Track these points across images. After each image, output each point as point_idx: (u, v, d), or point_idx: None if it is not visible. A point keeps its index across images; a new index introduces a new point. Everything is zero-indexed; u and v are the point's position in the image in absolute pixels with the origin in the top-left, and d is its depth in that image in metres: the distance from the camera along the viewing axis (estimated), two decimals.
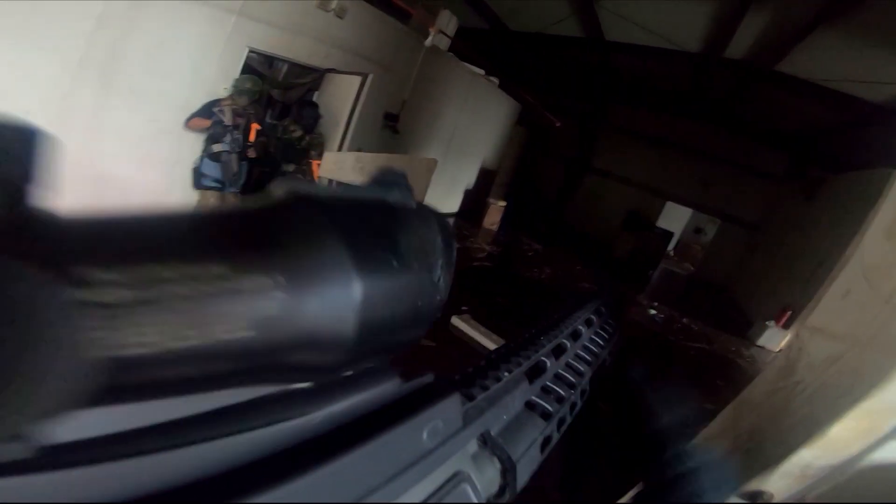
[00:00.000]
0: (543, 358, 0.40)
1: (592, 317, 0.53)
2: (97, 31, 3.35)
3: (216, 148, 4.10)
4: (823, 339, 0.64)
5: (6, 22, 2.94)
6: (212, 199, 4.29)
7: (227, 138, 4.11)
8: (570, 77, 9.81)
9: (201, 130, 4.12)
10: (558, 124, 10.66)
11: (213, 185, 4.24)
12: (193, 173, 4.24)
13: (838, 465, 0.55)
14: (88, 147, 3.71)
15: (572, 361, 0.45)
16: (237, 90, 4.11)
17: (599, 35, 6.63)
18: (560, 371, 0.43)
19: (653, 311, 7.79)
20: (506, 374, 0.34)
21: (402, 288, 0.21)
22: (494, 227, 9.72)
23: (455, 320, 4.67)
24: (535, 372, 0.39)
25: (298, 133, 4.65)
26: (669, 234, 11.72)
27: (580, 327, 0.49)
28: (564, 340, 0.45)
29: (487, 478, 0.28)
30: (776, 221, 9.25)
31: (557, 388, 0.40)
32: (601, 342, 0.52)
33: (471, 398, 0.29)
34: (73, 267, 0.12)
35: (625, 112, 11.16)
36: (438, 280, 0.24)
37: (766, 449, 0.61)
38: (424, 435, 0.23)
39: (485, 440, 0.29)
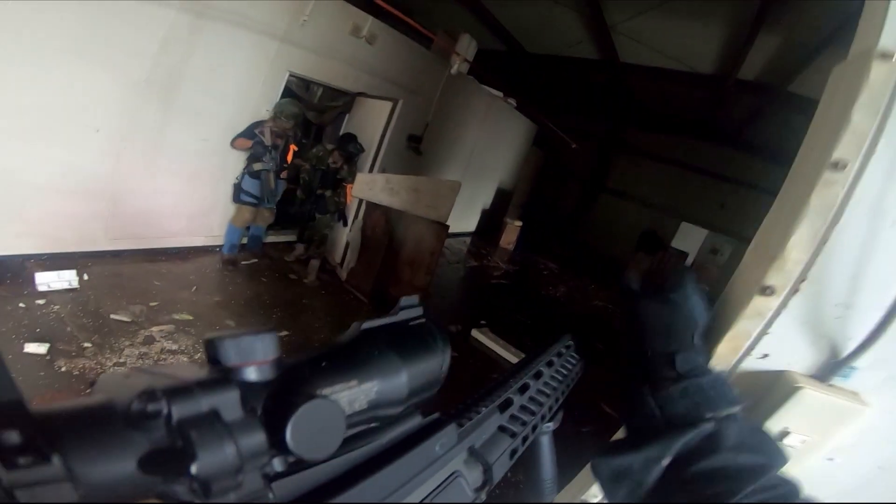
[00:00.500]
0: (511, 395, 0.57)
1: (553, 358, 0.70)
2: (161, 53, 3.61)
3: (257, 167, 4.34)
4: (720, 304, 0.96)
5: (82, 44, 3.18)
6: (247, 213, 4.54)
7: (267, 157, 4.34)
8: (585, 99, 9.97)
9: (244, 150, 4.36)
10: (574, 145, 10.81)
11: (251, 200, 4.49)
12: (234, 188, 4.48)
13: (727, 371, 0.86)
14: (149, 161, 3.96)
15: (534, 395, 0.61)
16: (281, 113, 4.34)
17: (614, 57, 6.82)
18: (524, 403, 0.58)
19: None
20: (484, 408, 0.51)
21: (425, 372, 0.38)
22: (511, 247, 9.85)
23: (475, 333, 4.80)
24: (505, 405, 0.55)
25: (340, 164, 4.88)
26: (684, 255, 11.70)
27: (542, 369, 0.65)
28: (528, 381, 0.61)
29: (474, 476, 0.44)
30: None
31: (522, 416, 0.56)
32: (560, 377, 0.68)
33: (461, 424, 0.45)
34: (315, 392, 0.28)
35: (640, 133, 11.27)
36: (443, 367, 0.40)
37: None
38: (437, 448, 0.40)
39: (472, 451, 0.45)
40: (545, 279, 8.60)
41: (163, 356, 3.04)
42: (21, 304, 3.06)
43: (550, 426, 0.67)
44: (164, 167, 4.06)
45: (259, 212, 4.65)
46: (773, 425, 0.83)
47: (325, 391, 0.29)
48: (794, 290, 0.80)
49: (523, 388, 0.60)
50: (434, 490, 0.39)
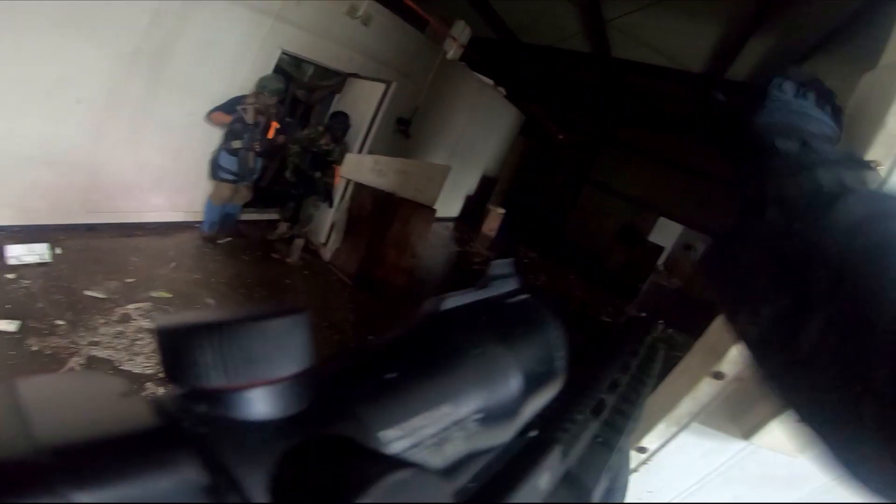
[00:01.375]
0: (603, 395, 0.46)
1: (638, 347, 0.61)
2: (152, 26, 3.46)
3: (236, 144, 4.19)
4: None
5: (68, 13, 3.02)
6: (226, 190, 4.39)
7: (246, 136, 4.19)
8: (575, 91, 9.99)
9: (221, 125, 4.21)
10: (561, 136, 10.86)
11: (229, 177, 4.34)
12: (211, 165, 4.33)
13: None
14: (135, 135, 3.81)
15: (625, 393, 0.51)
16: (266, 89, 4.18)
17: (607, 52, 6.82)
18: (616, 404, 0.48)
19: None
20: (578, 416, 0.40)
21: (542, 373, 0.26)
22: (492, 234, 9.88)
23: None
24: (598, 408, 0.45)
25: (331, 146, 4.78)
26: (660, 249, 11.96)
27: (629, 360, 0.57)
28: (618, 375, 0.52)
29: None
30: None
31: (616, 420, 0.46)
32: (647, 370, 0.59)
33: (558, 441, 0.34)
34: (373, 437, 0.17)
35: (626, 128, 11.37)
36: (561, 362, 0.29)
37: (718, 347, 0.98)
38: (541, 484, 0.28)
39: (567, 476, 0.34)
40: (525, 267, 8.66)
41: (139, 335, 2.94)
42: None
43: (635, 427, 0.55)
44: (149, 140, 3.92)
45: (237, 188, 4.50)
46: None
47: (397, 435, 0.17)
48: None
49: (613, 386, 0.50)
50: None
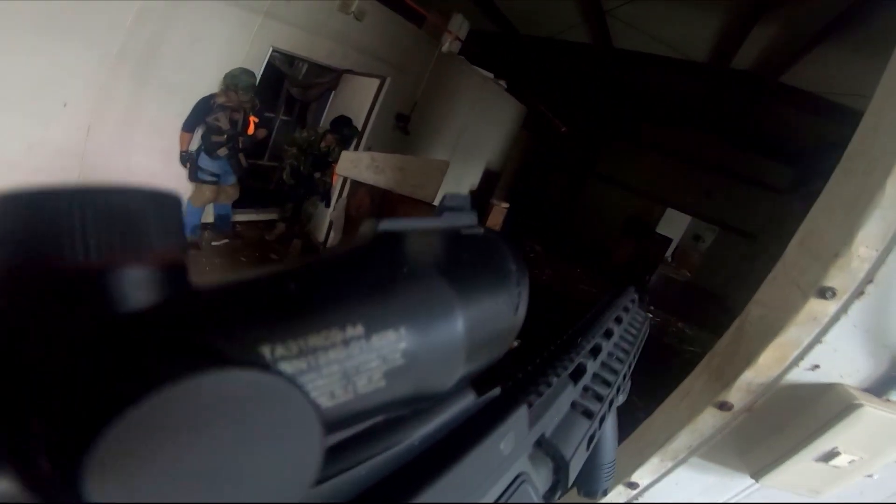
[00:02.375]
0: (583, 360, 0.43)
1: (622, 314, 0.57)
2: (136, 25, 3.41)
3: (221, 153, 4.08)
4: (758, 306, 0.90)
5: (51, 12, 2.97)
6: (207, 192, 4.28)
7: (228, 141, 4.07)
8: (577, 83, 9.88)
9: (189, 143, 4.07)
10: (564, 129, 10.74)
11: (209, 178, 4.22)
12: (189, 166, 4.19)
13: (767, 383, 0.81)
14: (122, 138, 3.77)
15: (607, 361, 0.48)
16: (235, 86, 3.97)
17: (608, 42, 6.72)
18: (597, 371, 0.45)
19: (649, 315, 7.93)
20: (554, 378, 0.37)
21: (491, 319, 0.22)
22: (497, 229, 9.81)
23: None
24: (577, 373, 0.41)
25: (332, 147, 4.72)
26: (668, 241, 11.84)
27: (612, 326, 0.53)
28: (599, 340, 0.48)
29: (542, 477, 0.32)
30: (776, 233, 9.33)
31: (597, 388, 0.43)
32: (631, 336, 0.56)
33: (530, 405, 0.31)
34: (250, 350, 0.13)
35: (630, 120, 11.24)
36: (517, 307, 0.25)
37: (724, 373, 0.89)
38: (502, 446, 0.25)
39: (540, 442, 0.32)
40: (531, 261, 8.60)
41: None
42: None
43: (620, 400, 0.51)
44: (138, 144, 3.88)
45: (222, 189, 4.36)
46: (821, 445, 0.75)
47: (285, 353, 0.14)
48: (858, 293, 0.70)
49: (595, 351, 0.46)
50: None
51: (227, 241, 4.69)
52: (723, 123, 9.12)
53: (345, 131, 4.71)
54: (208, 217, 4.60)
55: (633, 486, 1.04)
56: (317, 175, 4.70)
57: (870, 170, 0.75)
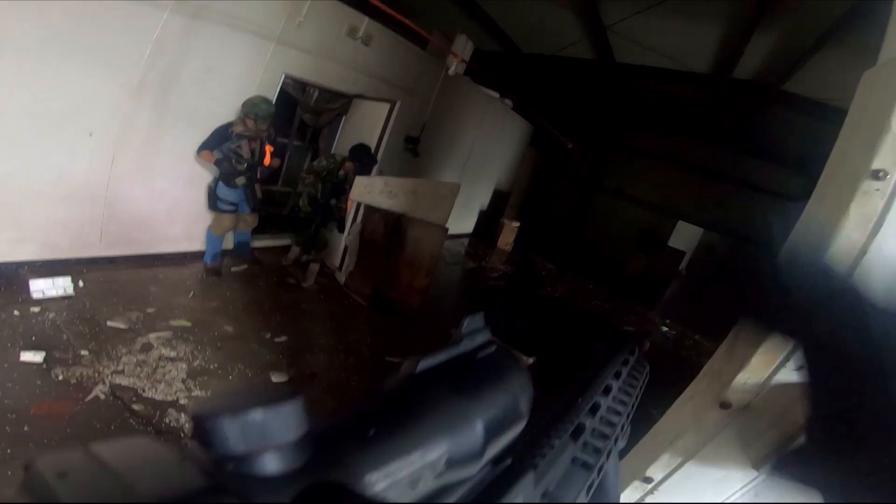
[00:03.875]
0: (582, 420, 0.49)
1: (621, 368, 0.62)
2: (155, 54, 3.54)
3: (239, 181, 4.15)
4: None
5: (72, 45, 3.11)
6: (227, 220, 4.37)
7: (246, 170, 4.14)
8: (582, 99, 10.00)
9: (211, 163, 4.12)
10: (570, 145, 10.82)
11: (228, 207, 4.30)
12: (208, 195, 4.27)
13: (760, 382, 0.88)
14: (146, 165, 3.89)
15: (605, 415, 0.54)
16: (253, 114, 4.01)
17: (611, 57, 6.82)
18: (596, 427, 0.51)
19: (665, 328, 7.83)
20: (556, 440, 0.44)
21: (505, 420, 0.31)
22: (508, 248, 9.83)
23: None
24: (577, 432, 0.48)
25: (352, 177, 4.76)
26: (681, 253, 11.76)
27: (610, 382, 0.58)
28: (598, 398, 0.54)
29: None
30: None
31: (596, 442, 0.49)
32: (630, 388, 0.60)
33: (535, 466, 0.38)
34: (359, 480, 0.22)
35: (636, 133, 11.31)
36: (525, 405, 0.33)
37: (723, 375, 0.97)
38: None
39: (545, 495, 0.39)
40: (544, 279, 8.58)
41: (161, 363, 2.99)
42: (16, 312, 3.01)
43: (620, 444, 0.58)
44: (160, 171, 3.99)
45: (240, 217, 4.46)
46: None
47: (378, 478, 0.22)
48: None
49: (594, 409, 0.53)
50: None
51: (246, 266, 4.78)
52: (729, 133, 9.15)
53: (364, 160, 4.77)
54: (228, 244, 4.71)
55: (648, 480, 1.10)
56: (332, 202, 4.76)
57: (837, 195, 0.83)
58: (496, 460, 0.33)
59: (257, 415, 0.19)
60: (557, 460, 0.42)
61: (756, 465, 0.94)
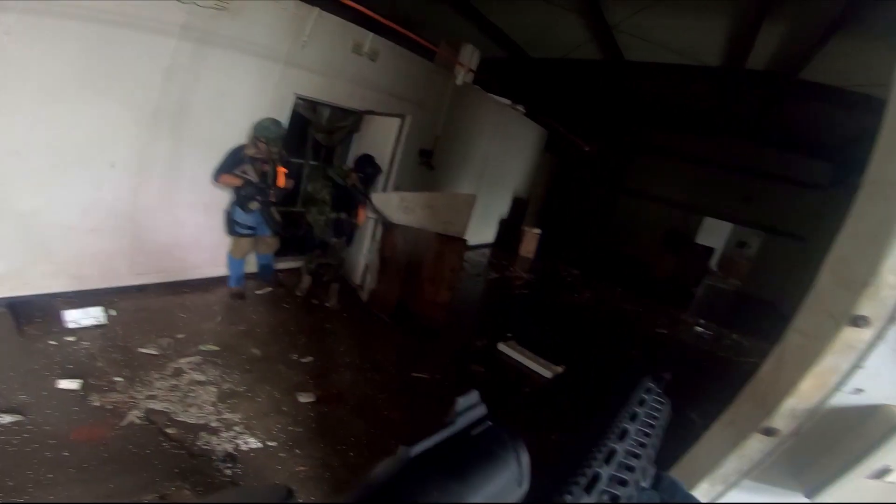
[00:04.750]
0: (598, 469, 0.47)
1: (636, 409, 0.60)
2: (167, 82, 3.64)
3: (253, 206, 4.18)
4: (796, 335, 0.91)
5: (85, 77, 3.21)
6: (246, 245, 4.42)
7: (259, 194, 4.15)
8: (595, 100, 9.93)
9: (231, 186, 4.15)
10: (587, 148, 10.73)
11: (247, 232, 4.34)
12: (226, 220, 4.31)
13: (811, 408, 0.82)
14: (166, 194, 3.99)
15: (624, 460, 0.51)
16: (264, 137, 4.05)
17: (619, 56, 6.77)
18: (614, 473, 0.49)
19: (699, 329, 7.60)
20: (568, 497, 0.43)
21: (499, 496, 0.30)
22: (531, 255, 9.75)
23: (501, 346, 4.72)
24: (592, 483, 0.46)
25: (361, 189, 4.72)
26: (710, 250, 11.45)
27: (626, 425, 0.56)
28: (614, 444, 0.52)
29: None
30: (825, 231, 8.92)
31: (613, 490, 0.47)
32: (649, 429, 0.58)
33: None
34: None
35: (654, 131, 11.15)
36: (521, 481, 0.33)
37: (767, 401, 0.90)
38: None
39: None
40: (569, 286, 8.46)
41: (192, 387, 3.05)
42: (52, 342, 3.11)
43: (645, 487, 0.54)
44: (181, 199, 4.09)
45: (260, 240, 4.50)
46: (872, 463, 0.77)
47: None
48: (892, 320, 0.72)
49: (609, 456, 0.50)
50: None
51: (270, 289, 4.85)
52: (748, 125, 8.93)
53: (368, 169, 4.76)
54: (252, 267, 4.79)
55: None
56: (343, 216, 4.70)
57: (891, 194, 0.76)
58: None
59: None
60: None
61: (808, 494, 0.88)
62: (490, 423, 0.34)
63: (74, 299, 3.57)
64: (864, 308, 0.71)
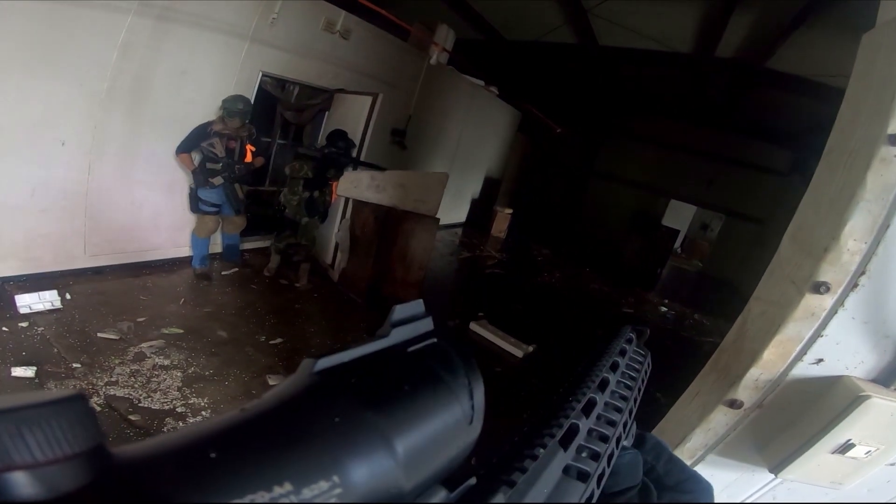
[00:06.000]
0: (574, 420, 0.41)
1: (618, 359, 0.54)
2: (122, 60, 3.45)
3: (217, 181, 4.04)
4: (758, 303, 0.91)
5: (40, 54, 3.03)
6: (210, 222, 4.29)
7: (224, 169, 4.03)
8: (568, 83, 9.95)
9: (189, 167, 4.02)
10: (558, 130, 10.79)
11: (211, 209, 4.21)
12: (190, 198, 4.17)
13: (774, 379, 0.81)
14: (123, 173, 3.81)
15: (604, 412, 0.46)
16: (228, 112, 3.95)
17: (593, 41, 6.78)
18: (592, 426, 0.43)
19: (664, 309, 7.86)
20: (540, 449, 0.35)
21: (438, 438, 0.23)
22: (503, 235, 9.82)
23: (473, 325, 4.75)
24: (569, 435, 0.39)
25: (332, 172, 4.55)
26: (675, 232, 11.75)
27: (607, 375, 0.50)
28: (593, 395, 0.46)
29: None
30: (783, 216, 9.26)
31: (592, 445, 0.41)
32: (630, 381, 0.53)
33: (512, 484, 0.30)
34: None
35: (624, 115, 11.29)
36: (472, 419, 0.25)
37: (731, 371, 0.89)
38: None
39: None
40: (540, 265, 8.58)
41: (155, 372, 2.96)
42: (4, 328, 2.97)
43: (628, 443, 0.49)
44: (140, 178, 3.93)
45: (225, 219, 4.37)
46: (835, 438, 0.76)
47: None
48: (853, 286, 0.72)
49: (588, 407, 0.44)
50: None
51: (236, 269, 4.72)
52: (716, 111, 9.15)
53: (340, 143, 4.60)
54: (217, 247, 4.63)
55: None
56: (315, 194, 4.54)
57: (850, 163, 0.76)
58: (450, 482, 0.24)
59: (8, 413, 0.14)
60: (542, 474, 0.34)
61: (773, 468, 0.87)
62: (436, 340, 0.26)
63: (27, 283, 3.40)
64: (826, 274, 0.72)
